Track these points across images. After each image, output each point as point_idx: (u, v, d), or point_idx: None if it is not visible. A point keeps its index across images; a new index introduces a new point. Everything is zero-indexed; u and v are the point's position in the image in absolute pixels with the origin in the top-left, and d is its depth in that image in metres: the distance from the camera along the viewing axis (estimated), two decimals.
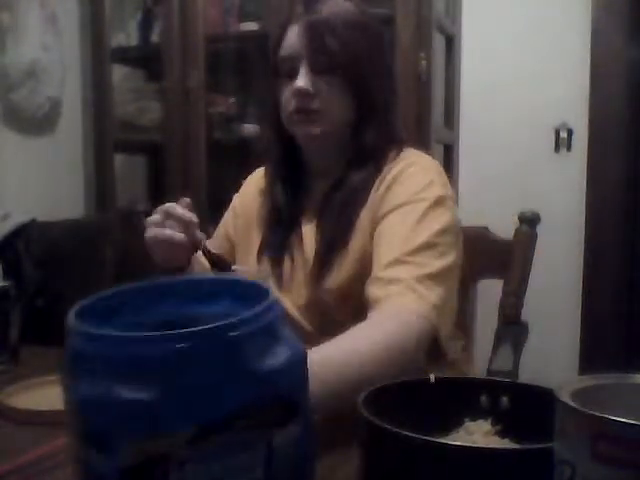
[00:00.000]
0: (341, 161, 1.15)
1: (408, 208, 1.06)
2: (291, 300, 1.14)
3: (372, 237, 1.08)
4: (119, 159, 2.76)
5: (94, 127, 2.72)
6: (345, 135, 1.14)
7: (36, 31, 2.39)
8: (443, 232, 1.05)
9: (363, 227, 1.10)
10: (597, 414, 0.39)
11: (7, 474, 0.66)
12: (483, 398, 0.67)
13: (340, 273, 1.09)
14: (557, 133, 2.38)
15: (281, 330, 0.55)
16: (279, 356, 0.52)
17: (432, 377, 0.68)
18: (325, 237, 1.12)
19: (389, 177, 1.11)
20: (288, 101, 1.11)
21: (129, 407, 0.47)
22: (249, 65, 2.64)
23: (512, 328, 1.37)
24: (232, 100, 2.56)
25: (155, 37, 2.65)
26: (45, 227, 2.23)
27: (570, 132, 2.36)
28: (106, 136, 2.68)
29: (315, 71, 1.09)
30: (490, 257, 1.42)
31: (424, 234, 1.03)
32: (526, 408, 0.65)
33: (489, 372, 1.28)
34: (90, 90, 2.71)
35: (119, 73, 2.76)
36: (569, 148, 2.37)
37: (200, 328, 0.49)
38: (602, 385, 0.45)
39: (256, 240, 1.22)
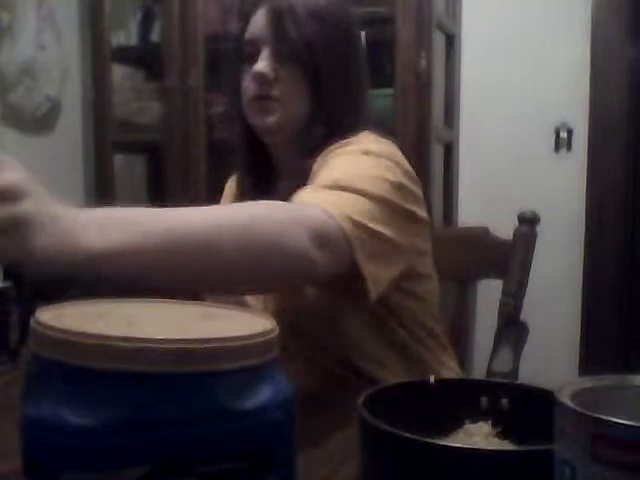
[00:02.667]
0: (292, 154, 1.09)
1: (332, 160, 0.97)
2: (262, 305, 1.07)
3: None
4: (119, 159, 2.75)
5: (94, 127, 2.72)
6: (297, 129, 1.08)
7: (33, 30, 2.39)
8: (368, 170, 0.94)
9: None
10: (597, 415, 0.39)
11: (7, 474, 0.66)
12: (483, 399, 0.67)
13: None
14: (557, 133, 2.38)
15: (267, 367, 0.47)
16: (259, 396, 0.46)
17: (432, 378, 0.68)
18: None
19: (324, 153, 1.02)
20: (247, 87, 1.07)
21: (73, 434, 0.41)
22: None
23: (512, 328, 1.37)
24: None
25: (155, 37, 2.65)
26: None
27: (570, 132, 2.36)
28: (106, 136, 2.68)
29: (276, 57, 1.05)
30: (490, 257, 1.42)
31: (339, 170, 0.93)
32: (526, 409, 0.64)
33: (489, 373, 1.28)
34: (90, 90, 2.71)
35: (119, 73, 2.76)
36: (569, 148, 2.37)
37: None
38: (602, 386, 0.45)
39: None
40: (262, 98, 1.06)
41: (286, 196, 0.93)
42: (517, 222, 1.43)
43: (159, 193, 2.68)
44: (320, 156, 1.01)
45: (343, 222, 0.82)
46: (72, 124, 2.72)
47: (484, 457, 0.52)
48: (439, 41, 2.31)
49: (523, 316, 1.40)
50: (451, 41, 2.43)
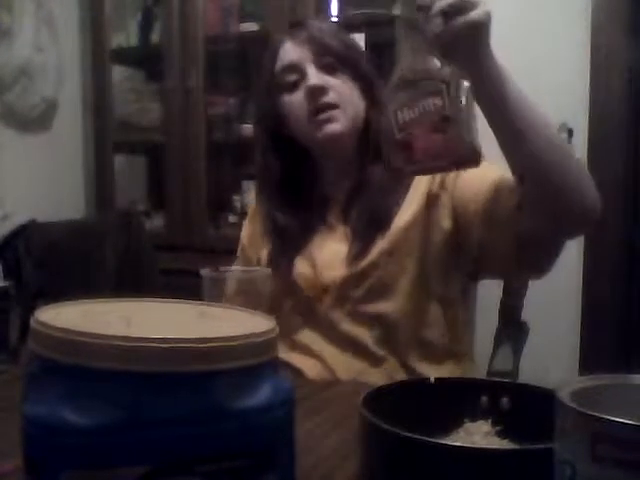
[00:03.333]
0: (356, 161, 1.15)
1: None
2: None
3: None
4: (119, 159, 2.76)
5: (94, 127, 2.72)
6: (360, 134, 1.15)
7: (30, 32, 2.39)
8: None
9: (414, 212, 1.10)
10: (597, 414, 0.39)
11: (7, 474, 0.66)
12: (483, 399, 0.67)
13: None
14: None
15: (267, 366, 0.47)
16: (259, 396, 0.46)
17: (432, 377, 0.68)
18: (358, 238, 1.12)
19: None
20: (301, 107, 1.12)
21: (73, 433, 0.41)
22: (249, 65, 2.64)
23: (512, 328, 1.37)
24: (232, 100, 2.56)
25: (155, 37, 2.65)
26: (45, 227, 2.23)
27: (570, 132, 2.36)
28: (106, 136, 2.68)
29: (322, 69, 1.11)
30: None
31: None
32: (526, 408, 0.64)
33: (489, 372, 1.28)
34: (90, 90, 2.72)
35: (119, 73, 2.76)
36: None
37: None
38: (602, 385, 0.45)
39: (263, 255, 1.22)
40: (322, 109, 1.11)
41: (339, 199, 1.15)
42: None
43: (159, 193, 2.69)
44: None
45: None
46: (72, 125, 2.72)
47: (484, 456, 0.52)
48: None
49: (523, 316, 1.40)
50: None
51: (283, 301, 1.16)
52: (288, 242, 1.17)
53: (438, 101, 0.86)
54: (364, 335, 1.12)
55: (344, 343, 1.13)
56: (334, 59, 1.12)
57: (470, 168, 0.93)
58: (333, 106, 1.11)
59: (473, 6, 0.84)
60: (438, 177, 1.11)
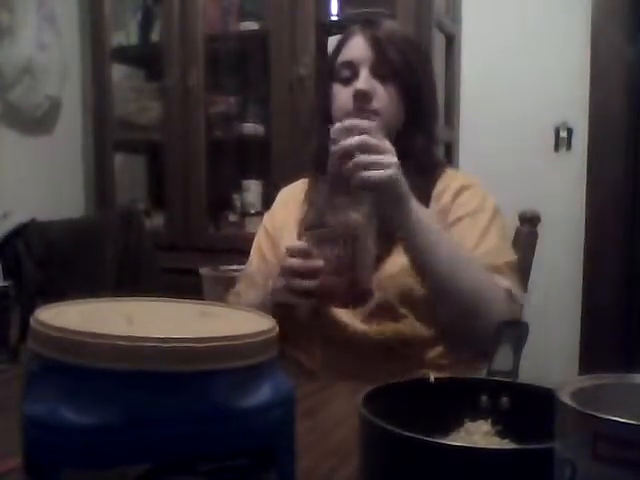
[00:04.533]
0: None
1: (473, 219, 1.18)
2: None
3: None
4: (119, 159, 2.76)
5: (94, 127, 2.72)
6: (392, 137, 1.18)
7: (33, 30, 2.39)
8: (503, 236, 1.21)
9: None
10: (597, 414, 0.39)
11: (7, 473, 0.66)
12: (483, 398, 0.67)
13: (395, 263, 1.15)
14: (557, 133, 2.38)
15: (267, 366, 0.47)
16: (259, 395, 0.46)
17: (432, 377, 0.68)
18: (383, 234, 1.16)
19: (452, 188, 1.22)
20: (345, 103, 1.18)
21: (73, 432, 0.41)
22: (249, 65, 2.64)
23: (512, 328, 1.37)
24: (232, 99, 2.56)
25: (155, 37, 2.65)
26: (45, 227, 2.23)
27: (570, 132, 2.36)
28: (106, 136, 2.68)
29: (375, 76, 1.17)
30: None
31: (493, 238, 1.17)
32: (526, 408, 0.64)
33: (489, 372, 1.28)
34: (90, 89, 2.71)
35: (119, 73, 2.76)
36: (569, 148, 2.37)
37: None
38: (602, 385, 0.45)
39: (289, 237, 1.24)
40: (362, 110, 1.17)
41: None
42: (517, 222, 1.43)
43: (159, 193, 2.68)
44: (436, 188, 1.22)
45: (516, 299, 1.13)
46: (72, 124, 2.72)
47: (484, 456, 0.52)
48: (439, 41, 2.31)
49: (523, 316, 1.40)
50: (451, 41, 2.43)
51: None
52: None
53: (337, 249, 0.98)
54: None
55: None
56: (389, 69, 1.17)
57: (360, 307, 1.08)
58: (374, 112, 1.16)
59: (380, 166, 0.98)
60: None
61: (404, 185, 1.02)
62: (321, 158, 1.20)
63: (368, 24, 1.22)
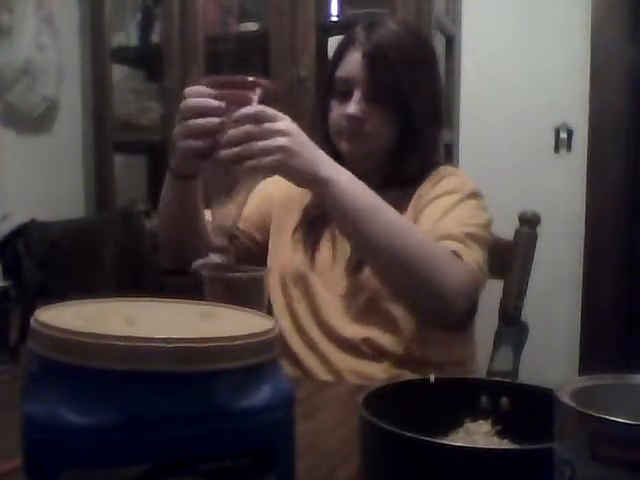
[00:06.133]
0: (376, 178, 1.17)
1: (444, 199, 1.15)
2: (329, 289, 1.19)
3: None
4: (119, 159, 2.76)
5: (94, 127, 2.72)
6: (384, 156, 1.20)
7: (31, 31, 2.39)
8: (473, 216, 1.15)
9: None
10: (597, 414, 0.39)
11: (7, 474, 0.66)
12: (483, 398, 0.67)
13: None
14: (557, 133, 2.38)
15: (267, 366, 0.47)
16: (259, 396, 0.46)
17: (432, 377, 0.68)
18: None
19: (434, 177, 1.20)
20: (338, 119, 1.18)
21: (73, 433, 0.41)
22: (249, 66, 2.64)
23: (512, 328, 1.37)
24: None
25: (155, 37, 2.65)
26: (45, 227, 2.22)
27: (570, 132, 2.36)
28: (106, 136, 2.68)
29: (367, 100, 1.15)
30: (490, 257, 1.42)
31: (455, 214, 1.13)
32: (526, 408, 0.65)
33: (489, 372, 1.28)
34: (90, 90, 2.71)
35: (119, 73, 2.76)
36: (569, 148, 2.37)
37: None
38: (602, 385, 0.45)
39: (291, 223, 1.25)
40: (352, 132, 1.16)
41: None
42: (517, 222, 1.43)
43: (159, 193, 2.68)
44: (427, 181, 1.20)
45: (478, 270, 1.09)
46: (72, 124, 2.72)
47: (484, 456, 0.52)
48: (439, 42, 2.31)
49: (523, 316, 1.40)
50: (451, 42, 2.43)
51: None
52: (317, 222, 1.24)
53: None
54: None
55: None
56: (382, 93, 1.14)
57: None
58: (362, 134, 1.15)
59: (268, 152, 0.92)
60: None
61: (303, 159, 0.95)
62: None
63: (369, 28, 1.18)
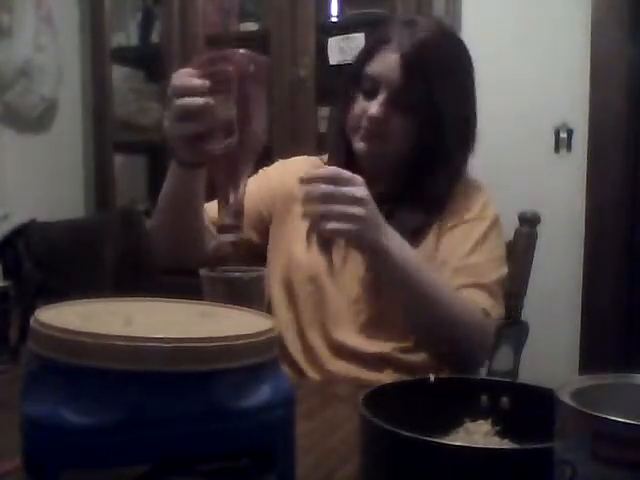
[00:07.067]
0: (393, 192, 1.16)
1: (472, 226, 1.16)
2: (340, 291, 1.17)
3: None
4: (119, 159, 2.76)
5: (94, 127, 2.72)
6: (399, 167, 1.18)
7: (30, 32, 2.39)
8: (499, 245, 1.18)
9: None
10: (597, 414, 0.39)
11: (7, 474, 0.65)
12: (483, 398, 0.67)
13: None
14: (557, 133, 2.37)
15: (267, 366, 0.47)
16: (259, 395, 0.46)
17: (432, 377, 0.68)
18: None
19: (454, 201, 1.20)
20: (358, 115, 1.14)
21: (73, 433, 0.41)
22: None
23: (512, 328, 1.37)
24: None
25: (155, 37, 2.65)
26: (45, 227, 2.23)
27: (570, 132, 2.36)
28: (106, 136, 2.68)
29: (393, 104, 1.11)
30: None
31: (486, 254, 1.14)
32: (526, 408, 0.65)
33: (489, 372, 1.28)
34: (90, 90, 2.71)
35: (119, 73, 2.76)
36: (569, 148, 2.37)
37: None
38: (602, 385, 0.45)
39: (298, 220, 1.22)
40: (370, 134, 1.13)
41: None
42: (517, 222, 1.43)
43: (159, 193, 2.68)
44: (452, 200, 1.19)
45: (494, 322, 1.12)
46: (72, 124, 2.72)
47: (484, 455, 0.52)
48: None
49: (523, 316, 1.40)
50: None
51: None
52: None
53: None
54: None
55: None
56: (410, 101, 1.10)
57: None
58: (379, 134, 1.12)
59: (353, 220, 0.93)
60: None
61: (374, 230, 0.97)
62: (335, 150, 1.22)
63: (408, 27, 1.13)
